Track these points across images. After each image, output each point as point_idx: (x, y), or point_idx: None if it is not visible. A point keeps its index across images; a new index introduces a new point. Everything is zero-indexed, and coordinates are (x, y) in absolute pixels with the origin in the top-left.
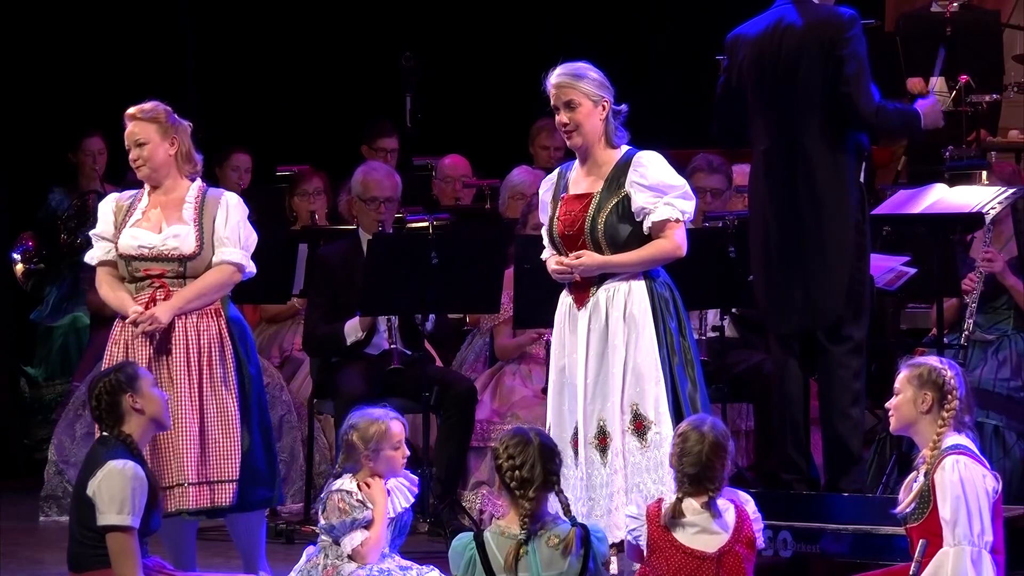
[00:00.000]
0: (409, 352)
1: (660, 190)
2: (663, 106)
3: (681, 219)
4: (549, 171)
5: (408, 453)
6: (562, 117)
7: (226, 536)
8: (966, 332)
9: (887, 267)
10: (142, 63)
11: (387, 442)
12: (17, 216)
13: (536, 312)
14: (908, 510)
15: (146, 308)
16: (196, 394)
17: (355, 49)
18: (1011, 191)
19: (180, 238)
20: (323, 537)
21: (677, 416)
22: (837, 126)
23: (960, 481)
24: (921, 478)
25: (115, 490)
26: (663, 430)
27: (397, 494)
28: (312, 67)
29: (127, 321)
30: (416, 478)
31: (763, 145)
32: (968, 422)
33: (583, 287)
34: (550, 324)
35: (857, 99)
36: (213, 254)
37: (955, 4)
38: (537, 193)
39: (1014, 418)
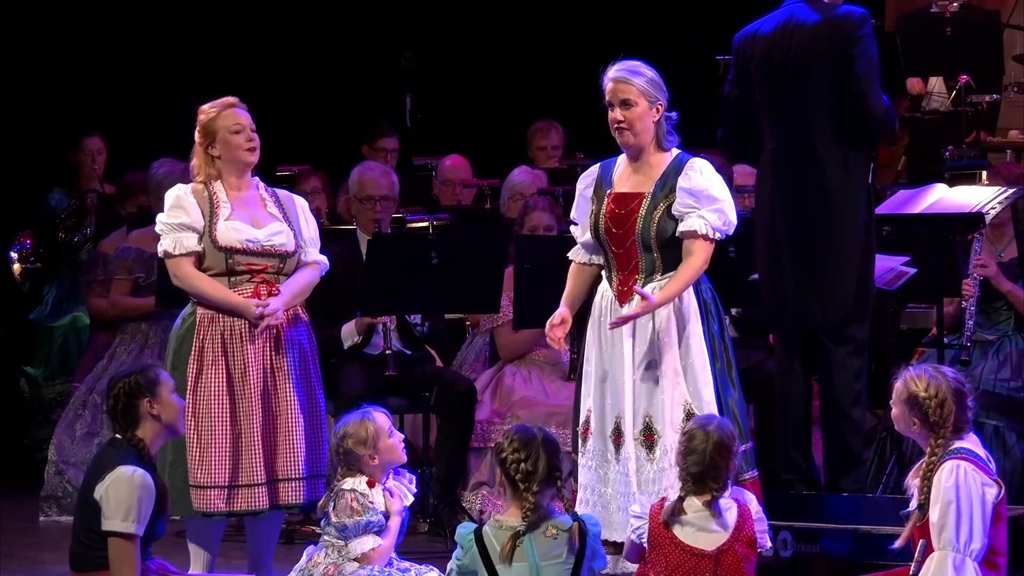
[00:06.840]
0: (408, 352)
1: (699, 199)
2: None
3: (711, 236)
4: (548, 171)
5: (402, 435)
6: (616, 114)
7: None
8: (967, 332)
9: (887, 267)
10: (142, 63)
11: (382, 433)
12: (16, 215)
13: (536, 312)
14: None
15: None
16: (304, 389)
17: (355, 49)
18: (1011, 191)
19: (284, 235)
20: (327, 536)
21: None
22: (846, 125)
23: (955, 487)
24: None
25: (122, 496)
26: None
27: (398, 494)
28: (312, 67)
29: (255, 315)
30: (414, 476)
31: (771, 144)
32: (969, 424)
33: (627, 283)
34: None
35: (867, 98)
36: (302, 254)
37: (955, 4)
38: (535, 194)
39: (1014, 419)
